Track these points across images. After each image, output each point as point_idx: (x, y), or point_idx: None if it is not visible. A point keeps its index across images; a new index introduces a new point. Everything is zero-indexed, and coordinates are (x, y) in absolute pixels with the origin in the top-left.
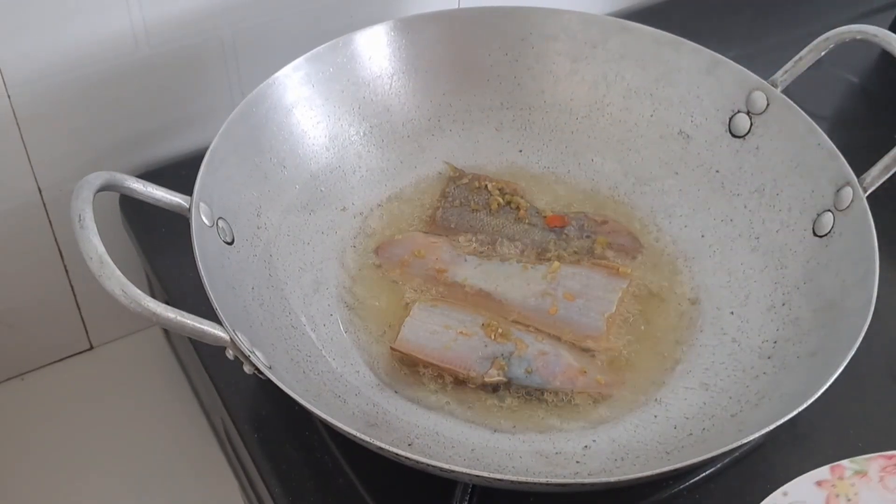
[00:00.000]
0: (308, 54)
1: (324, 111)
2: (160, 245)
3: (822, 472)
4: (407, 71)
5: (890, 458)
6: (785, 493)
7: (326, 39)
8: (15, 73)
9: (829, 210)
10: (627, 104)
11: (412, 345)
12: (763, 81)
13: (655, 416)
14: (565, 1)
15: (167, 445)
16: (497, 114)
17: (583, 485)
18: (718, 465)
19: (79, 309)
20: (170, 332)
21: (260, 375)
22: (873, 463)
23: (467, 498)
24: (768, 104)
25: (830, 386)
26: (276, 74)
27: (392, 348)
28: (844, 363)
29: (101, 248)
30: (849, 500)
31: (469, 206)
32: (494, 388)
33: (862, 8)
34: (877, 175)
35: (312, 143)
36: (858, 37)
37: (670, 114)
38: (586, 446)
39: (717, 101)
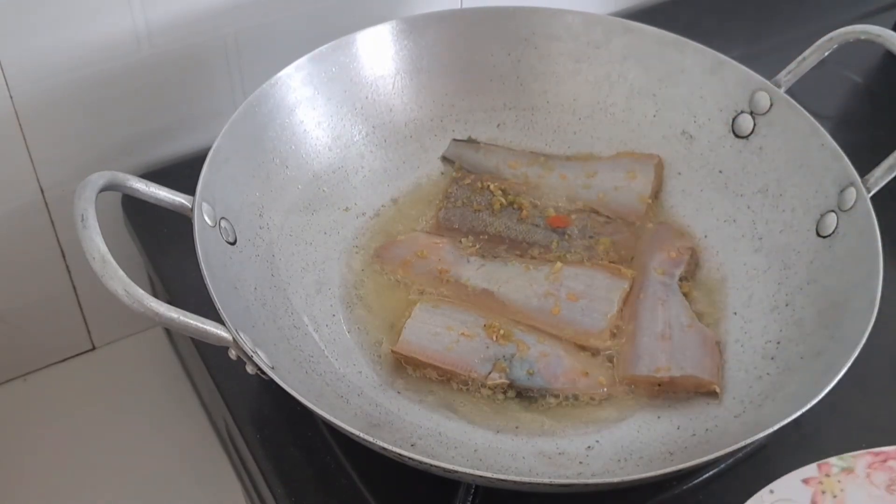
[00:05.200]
0: (310, 54)
1: (326, 111)
2: (162, 245)
3: (810, 469)
4: (409, 71)
5: (877, 454)
6: (771, 491)
7: (329, 39)
8: (17, 73)
9: (832, 210)
10: (630, 105)
11: (413, 346)
12: (766, 82)
13: (658, 417)
14: (568, 1)
15: (169, 446)
16: (499, 114)
17: (586, 485)
18: (722, 466)
19: (81, 309)
20: (172, 333)
21: (262, 376)
22: (861, 459)
23: (470, 498)
24: (772, 104)
25: (834, 387)
26: (279, 74)
27: (393, 351)
28: (848, 364)
29: (104, 248)
30: (835, 496)
31: (472, 206)
32: (497, 389)
33: (865, 8)
34: (881, 175)
35: (315, 143)
36: (862, 37)
37: (673, 114)
38: (589, 447)
39: (721, 102)
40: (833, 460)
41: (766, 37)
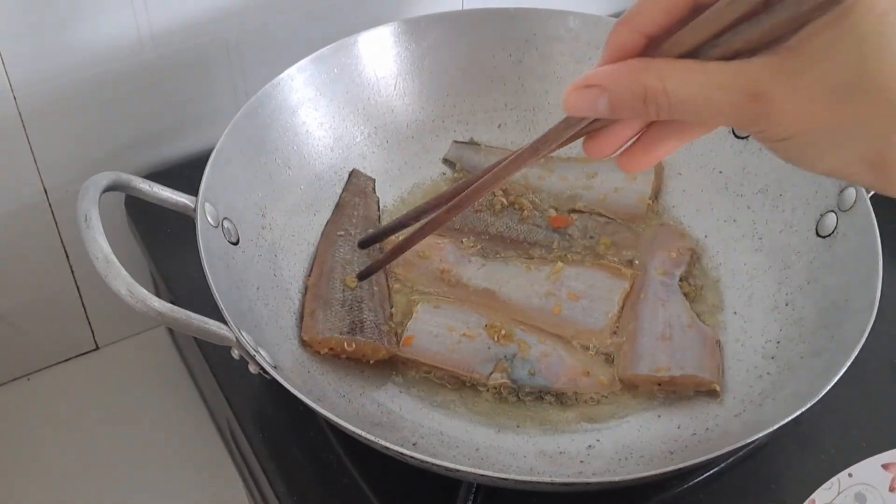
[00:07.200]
0: (312, 55)
1: (328, 112)
2: (165, 245)
3: (891, 454)
4: (411, 72)
5: None
6: (850, 475)
7: (331, 41)
8: (21, 75)
9: (832, 210)
10: None
11: (415, 348)
12: None
13: (659, 416)
14: (569, 2)
15: (172, 445)
16: (501, 114)
17: (587, 484)
18: (722, 465)
19: (84, 309)
20: (175, 333)
21: (265, 375)
22: None
23: (471, 497)
24: None
25: (834, 386)
26: (281, 75)
27: (394, 353)
28: (848, 363)
29: (107, 248)
30: None
31: (473, 206)
32: (498, 389)
33: None
34: None
35: (317, 144)
36: None
37: None
38: (590, 446)
39: None
40: None
41: None
